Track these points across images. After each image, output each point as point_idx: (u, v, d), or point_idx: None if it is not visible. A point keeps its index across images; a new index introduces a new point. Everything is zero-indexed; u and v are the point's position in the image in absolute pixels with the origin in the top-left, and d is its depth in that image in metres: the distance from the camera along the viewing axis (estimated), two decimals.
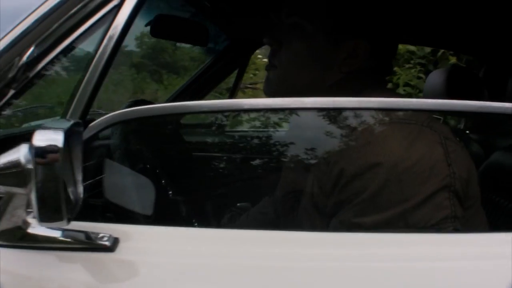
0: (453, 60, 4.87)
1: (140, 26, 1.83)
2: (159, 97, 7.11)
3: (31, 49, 0.87)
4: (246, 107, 0.83)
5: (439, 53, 5.05)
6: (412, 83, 5.23)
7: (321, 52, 0.93)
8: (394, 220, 0.77)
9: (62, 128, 0.61)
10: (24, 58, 0.87)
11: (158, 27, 1.66)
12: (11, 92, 0.89)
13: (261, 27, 2.28)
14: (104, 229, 0.79)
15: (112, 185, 0.93)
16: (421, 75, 5.17)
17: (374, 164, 0.80)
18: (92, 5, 0.89)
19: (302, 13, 0.93)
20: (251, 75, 8.11)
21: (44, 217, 0.63)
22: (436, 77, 2.01)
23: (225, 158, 1.88)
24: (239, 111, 1.01)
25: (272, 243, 0.75)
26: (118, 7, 0.89)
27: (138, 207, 0.94)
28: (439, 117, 1.95)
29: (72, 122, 0.66)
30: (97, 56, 0.88)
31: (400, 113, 0.83)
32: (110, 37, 0.89)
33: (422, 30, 1.97)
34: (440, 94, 1.87)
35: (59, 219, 0.63)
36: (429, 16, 1.64)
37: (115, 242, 0.76)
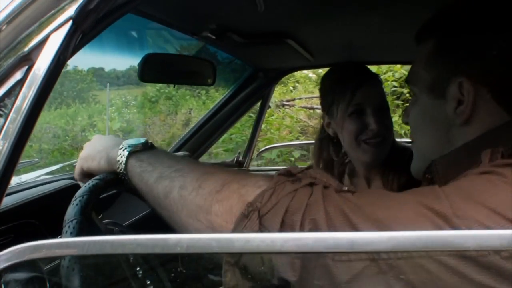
0: None
1: (179, 36, 1.60)
2: (193, 117, 6.96)
3: None
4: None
5: None
6: None
7: (433, 111, 0.88)
8: None
9: None
10: None
11: (148, 70, 1.37)
12: None
13: (282, 55, 2.13)
14: None
15: None
16: None
17: None
18: None
19: (409, 77, 0.94)
20: (291, 89, 7.84)
21: None
22: None
23: None
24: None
25: None
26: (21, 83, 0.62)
27: None
28: None
29: None
30: None
31: None
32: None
33: None
34: None
35: None
36: None
37: None
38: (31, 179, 1.51)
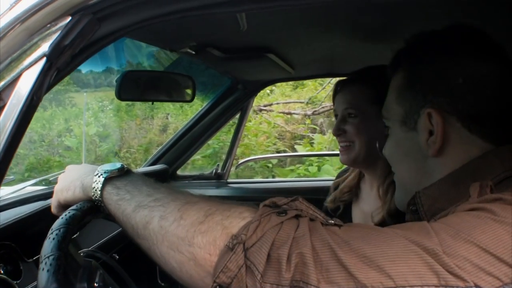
0: None
1: None
2: (170, 123, 6.87)
3: None
4: None
5: None
6: None
7: (407, 144, 0.87)
8: None
9: None
10: None
11: (126, 87, 1.32)
12: None
13: (262, 68, 2.10)
14: None
15: None
16: None
17: None
18: None
19: (383, 112, 0.93)
20: (268, 92, 7.83)
21: None
22: None
23: None
24: None
25: None
26: None
27: None
28: None
29: None
30: None
31: None
32: None
33: None
34: None
35: None
36: None
37: None
38: (6, 194, 1.46)
